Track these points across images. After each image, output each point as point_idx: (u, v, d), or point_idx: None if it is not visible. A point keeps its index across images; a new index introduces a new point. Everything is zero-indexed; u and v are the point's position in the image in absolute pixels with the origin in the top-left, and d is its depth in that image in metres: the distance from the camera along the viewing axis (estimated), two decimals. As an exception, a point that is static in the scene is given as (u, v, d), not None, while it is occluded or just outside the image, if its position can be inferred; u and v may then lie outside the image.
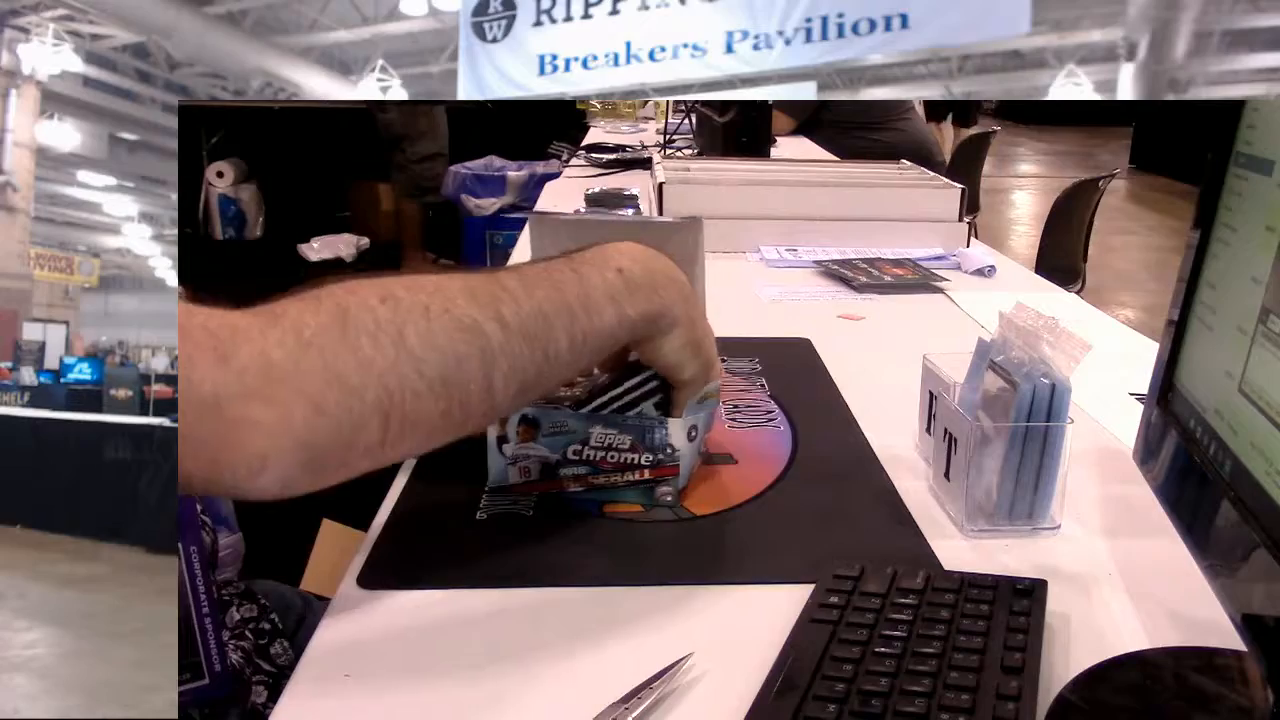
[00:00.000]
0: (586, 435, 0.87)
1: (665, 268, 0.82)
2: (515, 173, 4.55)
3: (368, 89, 8.22)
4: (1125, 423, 1.00)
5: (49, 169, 11.59)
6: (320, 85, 8.53)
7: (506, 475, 0.88)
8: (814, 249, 1.90)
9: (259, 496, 0.62)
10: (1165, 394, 0.70)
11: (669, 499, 0.88)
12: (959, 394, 0.88)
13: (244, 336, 0.60)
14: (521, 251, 1.84)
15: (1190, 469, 0.65)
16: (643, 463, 0.88)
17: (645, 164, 2.81)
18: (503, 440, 0.87)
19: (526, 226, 1.05)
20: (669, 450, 0.88)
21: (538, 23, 6.39)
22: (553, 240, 1.02)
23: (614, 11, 6.19)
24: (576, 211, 2.03)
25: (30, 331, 9.22)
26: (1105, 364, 0.94)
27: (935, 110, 7.15)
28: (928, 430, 0.95)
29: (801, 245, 1.92)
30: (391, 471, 0.91)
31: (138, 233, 14.67)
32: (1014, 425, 0.81)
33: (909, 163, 2.36)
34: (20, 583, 3.56)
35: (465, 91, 6.55)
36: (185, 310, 0.61)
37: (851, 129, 3.92)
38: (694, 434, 0.89)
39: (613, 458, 0.87)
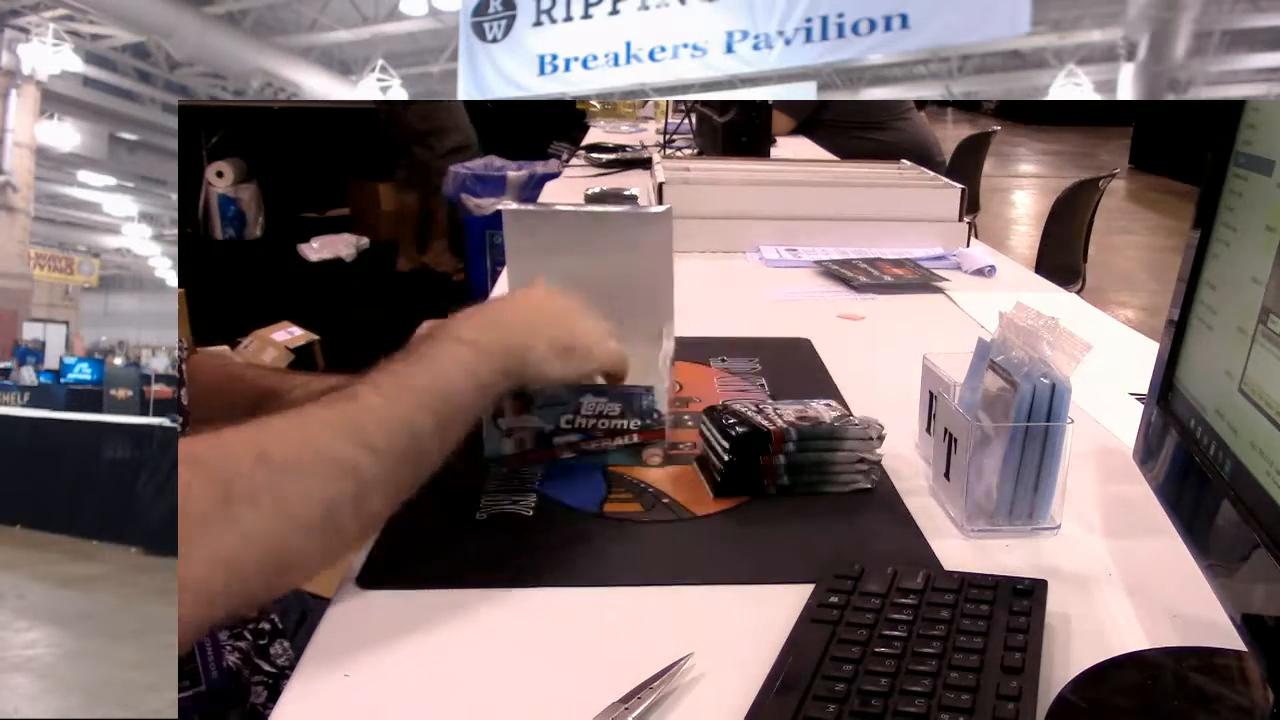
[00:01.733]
0: (578, 405, 0.92)
1: (502, 316, 0.85)
2: (515, 173, 4.55)
3: (368, 89, 8.23)
4: (1125, 423, 1.00)
5: (49, 169, 11.59)
6: (320, 85, 8.54)
7: (502, 447, 0.93)
8: (814, 249, 1.89)
9: None
10: (1165, 394, 0.70)
11: (656, 460, 0.94)
12: (959, 394, 0.88)
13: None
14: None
15: (1190, 469, 0.65)
16: (631, 427, 0.93)
17: (645, 164, 2.81)
18: (498, 414, 0.91)
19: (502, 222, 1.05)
20: (656, 415, 0.93)
21: (538, 23, 6.40)
22: (529, 234, 1.03)
23: (614, 11, 6.20)
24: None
25: (30, 331, 9.24)
26: (1105, 364, 0.94)
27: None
28: (928, 430, 0.95)
29: (801, 245, 1.92)
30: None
31: (138, 233, 14.68)
32: (1014, 425, 0.81)
33: (909, 163, 2.36)
34: (20, 583, 3.56)
35: (465, 91, 6.56)
36: None
37: (851, 129, 3.92)
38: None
39: (603, 424, 0.92)
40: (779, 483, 0.89)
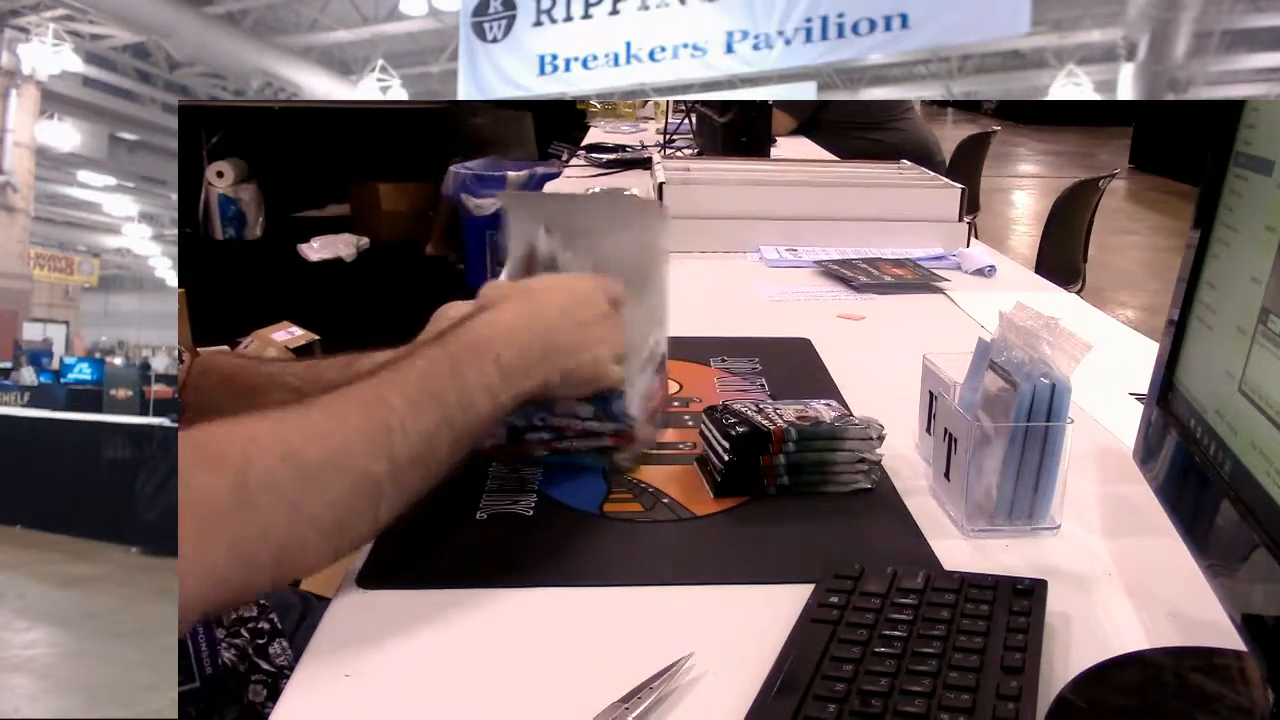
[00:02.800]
0: (550, 404, 0.91)
1: (542, 339, 0.84)
2: (515, 173, 4.55)
3: (368, 89, 8.23)
4: (1125, 423, 1.00)
5: (49, 169, 11.59)
6: (320, 85, 8.54)
7: None
8: (814, 249, 1.90)
9: None
10: (1165, 394, 0.70)
11: (627, 463, 0.94)
12: (959, 394, 0.88)
13: None
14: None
15: (1190, 469, 0.65)
16: (602, 430, 0.92)
17: (645, 164, 2.81)
18: None
19: (502, 205, 1.06)
20: (625, 418, 0.92)
21: (538, 23, 6.39)
22: (529, 217, 1.03)
23: (614, 11, 6.19)
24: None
25: (30, 331, 9.24)
26: (1105, 364, 0.94)
27: None
28: (928, 430, 0.95)
29: (801, 245, 1.92)
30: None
31: (138, 233, 14.66)
32: (1014, 425, 0.81)
33: (909, 163, 2.36)
34: (20, 583, 3.56)
35: (465, 91, 6.56)
36: None
37: (851, 129, 3.92)
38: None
39: (575, 425, 0.92)
40: (779, 483, 0.89)
